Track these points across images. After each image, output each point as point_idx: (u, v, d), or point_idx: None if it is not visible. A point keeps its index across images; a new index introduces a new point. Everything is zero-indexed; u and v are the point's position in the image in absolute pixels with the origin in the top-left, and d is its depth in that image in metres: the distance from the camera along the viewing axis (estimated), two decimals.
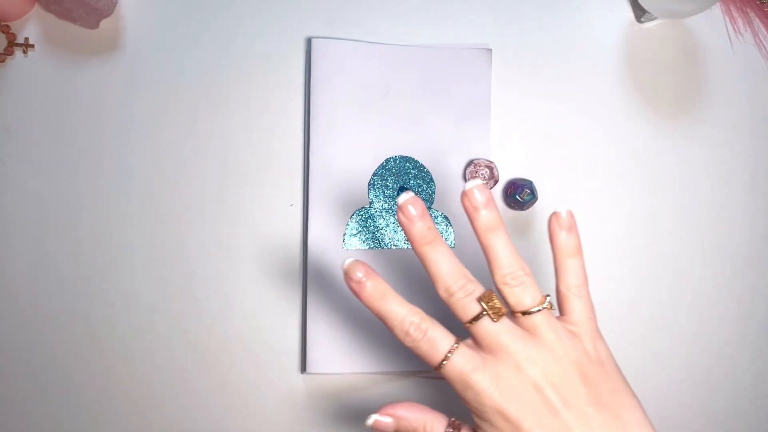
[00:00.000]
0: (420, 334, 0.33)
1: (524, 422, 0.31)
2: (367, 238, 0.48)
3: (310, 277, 0.48)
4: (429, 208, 0.49)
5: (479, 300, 0.33)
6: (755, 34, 0.51)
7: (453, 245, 0.48)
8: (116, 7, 0.50)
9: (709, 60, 0.51)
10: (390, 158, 0.49)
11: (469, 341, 0.34)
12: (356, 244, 0.48)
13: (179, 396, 0.48)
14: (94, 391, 0.48)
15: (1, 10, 0.48)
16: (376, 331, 0.47)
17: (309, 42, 0.50)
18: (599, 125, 0.50)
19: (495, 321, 0.33)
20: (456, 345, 0.33)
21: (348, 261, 0.34)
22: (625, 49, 0.51)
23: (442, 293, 0.34)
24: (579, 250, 0.35)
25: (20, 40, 0.49)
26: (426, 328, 0.33)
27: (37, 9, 0.50)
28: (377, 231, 0.48)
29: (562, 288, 0.35)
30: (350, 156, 0.49)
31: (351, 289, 0.34)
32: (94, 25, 0.49)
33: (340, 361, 0.47)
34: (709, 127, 0.51)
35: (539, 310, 0.33)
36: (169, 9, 0.50)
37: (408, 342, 0.33)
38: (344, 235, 0.48)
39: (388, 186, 0.49)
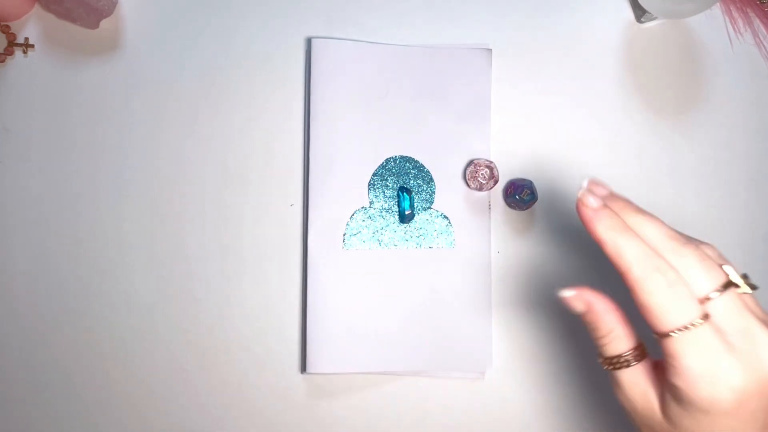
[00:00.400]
0: (666, 280, 0.27)
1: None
2: (367, 238, 0.48)
3: (310, 277, 0.48)
4: (429, 208, 0.49)
5: (720, 268, 0.28)
6: (755, 34, 0.51)
7: (453, 246, 0.48)
8: (116, 7, 0.50)
9: (709, 60, 0.51)
10: (390, 158, 0.49)
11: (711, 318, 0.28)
12: (356, 244, 0.48)
13: (179, 396, 0.48)
14: (94, 391, 0.48)
15: (1, 10, 0.48)
16: (375, 331, 0.47)
17: (309, 42, 0.50)
18: (599, 125, 0.50)
19: (752, 291, 0.29)
20: (703, 319, 0.27)
21: (587, 182, 0.30)
22: (625, 49, 0.51)
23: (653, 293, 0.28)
24: None
25: (20, 40, 0.49)
26: (675, 278, 0.27)
27: (37, 9, 0.50)
28: (377, 231, 0.48)
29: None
30: (350, 156, 0.49)
31: (581, 212, 0.30)
32: (94, 25, 0.49)
33: (340, 361, 0.47)
34: (709, 127, 0.51)
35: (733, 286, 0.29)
36: (169, 9, 0.50)
37: (650, 282, 0.28)
38: (344, 235, 0.48)
39: (388, 186, 0.49)
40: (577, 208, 0.30)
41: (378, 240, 0.48)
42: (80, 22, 0.49)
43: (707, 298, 0.28)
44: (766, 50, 0.51)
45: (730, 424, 0.27)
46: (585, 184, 0.30)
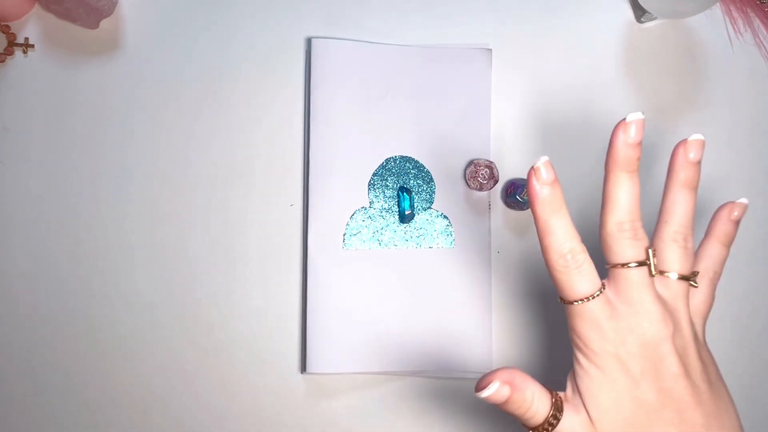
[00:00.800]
0: (574, 264, 0.32)
1: (644, 380, 0.31)
2: (367, 238, 0.48)
3: (310, 277, 0.48)
4: (429, 208, 0.49)
5: (647, 249, 0.32)
6: (755, 34, 0.51)
7: (453, 246, 0.48)
8: (116, 7, 0.50)
9: (709, 60, 0.51)
10: (390, 158, 0.49)
11: (606, 284, 0.32)
12: (356, 244, 0.48)
13: (179, 396, 0.48)
14: (95, 391, 0.48)
15: (1, 10, 0.48)
16: (375, 331, 0.47)
17: (309, 42, 0.50)
18: (599, 125, 0.50)
19: (652, 275, 0.32)
20: (601, 291, 0.32)
21: (544, 159, 0.32)
22: (625, 49, 0.51)
23: (611, 226, 0.32)
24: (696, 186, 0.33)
25: (20, 40, 0.49)
26: (582, 261, 0.32)
27: (37, 9, 0.50)
28: (377, 231, 0.48)
29: (665, 235, 0.33)
30: (350, 156, 0.49)
31: (529, 187, 0.32)
32: (94, 25, 0.49)
33: (340, 361, 0.47)
34: (709, 127, 0.51)
35: (685, 280, 0.32)
36: (169, 9, 0.50)
37: (558, 265, 0.32)
38: (344, 235, 0.48)
39: (388, 186, 0.49)
40: (529, 177, 0.32)
41: (378, 240, 0.48)
42: (80, 22, 0.49)
43: (623, 266, 0.32)
44: (766, 50, 0.51)
45: (624, 384, 0.31)
46: (544, 159, 0.31)
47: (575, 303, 0.32)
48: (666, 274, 0.32)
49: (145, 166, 0.49)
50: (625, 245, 0.32)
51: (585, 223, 0.50)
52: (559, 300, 0.33)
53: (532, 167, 0.31)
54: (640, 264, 0.31)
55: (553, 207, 0.32)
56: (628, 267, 0.31)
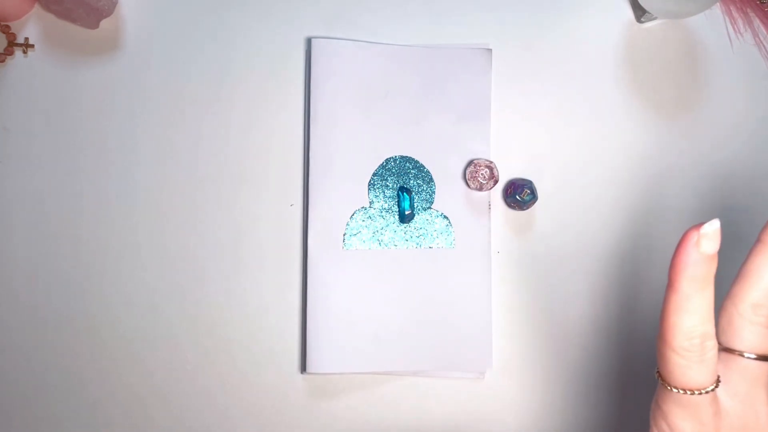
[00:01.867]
0: (701, 353, 0.27)
1: None
2: (367, 238, 0.48)
3: (310, 277, 0.48)
4: (429, 208, 0.49)
5: None
6: (755, 34, 0.51)
7: (453, 246, 0.48)
8: (116, 7, 0.50)
9: (709, 60, 0.51)
10: (390, 158, 0.49)
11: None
12: (356, 244, 0.48)
13: (179, 396, 0.48)
14: (95, 390, 0.48)
15: (1, 10, 0.48)
16: (375, 331, 0.47)
17: (309, 42, 0.50)
18: (599, 125, 0.50)
19: None
20: (717, 385, 0.28)
21: (716, 225, 0.26)
22: (625, 49, 0.51)
23: (747, 308, 0.27)
24: None
25: (20, 40, 0.49)
26: (710, 350, 0.27)
27: (37, 9, 0.50)
28: (377, 231, 0.48)
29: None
30: (350, 156, 0.49)
31: (681, 254, 0.27)
32: (94, 25, 0.49)
33: (340, 361, 0.47)
34: (709, 127, 0.51)
35: None
36: (169, 9, 0.50)
37: (680, 349, 0.27)
38: (344, 235, 0.48)
39: (388, 186, 0.49)
40: (685, 242, 0.27)
41: (378, 240, 0.48)
42: (80, 22, 0.49)
43: (740, 354, 0.28)
44: (766, 50, 0.51)
45: None
46: (716, 225, 0.26)
47: (682, 392, 0.27)
48: None
49: (144, 167, 0.49)
50: (754, 332, 0.27)
51: (581, 219, 0.50)
52: (656, 375, 0.29)
53: (698, 231, 0.26)
54: (762, 358, 0.28)
55: (704, 284, 0.27)
56: (746, 356, 0.28)
